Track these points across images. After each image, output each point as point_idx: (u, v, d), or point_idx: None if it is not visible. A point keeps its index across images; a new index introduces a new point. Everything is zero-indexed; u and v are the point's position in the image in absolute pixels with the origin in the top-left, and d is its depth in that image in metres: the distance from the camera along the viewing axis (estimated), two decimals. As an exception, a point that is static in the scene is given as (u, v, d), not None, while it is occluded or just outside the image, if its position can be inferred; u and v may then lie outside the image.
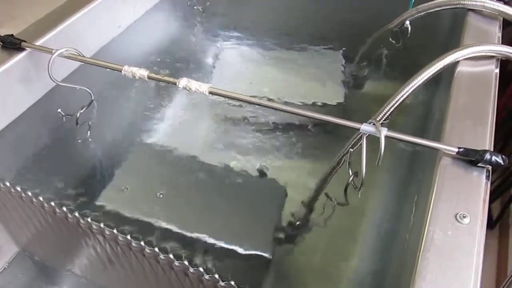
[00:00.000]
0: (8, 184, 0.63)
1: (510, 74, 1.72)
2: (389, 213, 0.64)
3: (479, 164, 0.51)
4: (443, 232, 0.45)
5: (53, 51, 0.66)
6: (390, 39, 0.92)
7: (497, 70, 0.67)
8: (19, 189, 0.62)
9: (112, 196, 0.68)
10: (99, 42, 0.84)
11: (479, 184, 0.50)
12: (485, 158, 0.50)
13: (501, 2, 0.78)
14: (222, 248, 0.62)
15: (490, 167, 0.52)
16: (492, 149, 0.53)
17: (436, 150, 0.54)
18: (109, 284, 0.76)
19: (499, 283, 1.38)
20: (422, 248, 0.44)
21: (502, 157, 0.51)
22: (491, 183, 1.56)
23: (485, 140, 0.55)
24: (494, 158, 0.51)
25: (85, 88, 0.73)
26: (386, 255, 0.59)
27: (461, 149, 0.51)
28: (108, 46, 0.85)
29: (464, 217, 0.46)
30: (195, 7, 1.05)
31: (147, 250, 0.55)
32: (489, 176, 0.51)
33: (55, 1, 0.82)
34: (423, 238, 0.45)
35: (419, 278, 0.42)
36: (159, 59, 0.90)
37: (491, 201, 1.59)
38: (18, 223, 0.73)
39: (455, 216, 0.47)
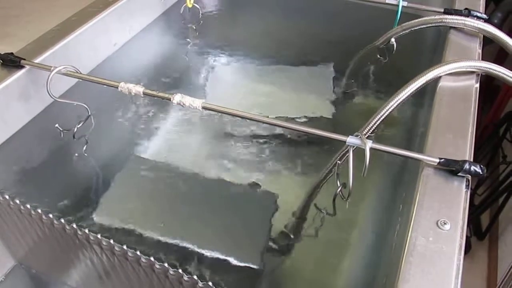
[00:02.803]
0: (7, 197, 0.64)
1: (496, 89, 1.77)
2: (376, 221, 0.66)
3: (459, 174, 0.54)
4: (425, 238, 0.48)
5: (52, 68, 0.69)
6: (377, 56, 0.95)
7: (477, 85, 0.70)
8: (18, 201, 0.64)
9: (108, 209, 0.70)
10: (95, 59, 0.87)
11: (459, 193, 0.53)
12: (464, 168, 0.53)
13: (481, 20, 0.82)
14: (214, 258, 0.63)
15: (469, 177, 0.54)
16: (472, 160, 0.56)
17: (418, 160, 0.56)
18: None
19: (489, 293, 1.40)
20: (405, 253, 0.46)
21: (480, 167, 0.54)
22: (480, 195, 1.58)
23: (465, 151, 0.57)
24: (473, 168, 0.53)
25: (82, 104, 0.75)
26: (374, 261, 0.61)
27: (442, 160, 0.54)
28: (104, 63, 0.88)
29: (445, 223, 0.49)
30: (189, 26, 1.08)
31: (143, 259, 0.56)
32: (468, 185, 0.54)
33: (49, 19, 0.85)
34: (406, 243, 0.47)
35: (402, 281, 0.44)
36: (153, 76, 0.93)
37: (480, 212, 1.62)
38: (15, 236, 0.75)
39: (437, 223, 0.49)
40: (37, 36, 0.80)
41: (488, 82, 1.77)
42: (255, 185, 0.73)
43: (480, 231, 1.63)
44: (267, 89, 0.93)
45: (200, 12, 1.09)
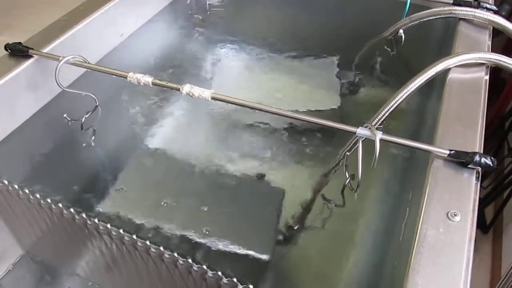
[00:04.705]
0: (16, 186, 0.64)
1: (503, 81, 1.76)
2: (385, 212, 0.66)
3: (469, 166, 0.54)
4: (435, 229, 0.48)
5: (60, 58, 0.69)
6: (385, 47, 0.95)
7: (487, 77, 0.69)
8: (27, 191, 0.64)
9: (116, 199, 0.70)
10: (103, 50, 0.87)
11: (469, 185, 0.53)
12: (474, 160, 0.53)
13: (490, 11, 0.82)
14: (223, 248, 0.64)
15: (479, 168, 0.54)
16: (482, 152, 0.55)
17: (428, 152, 0.56)
18: (114, 286, 0.77)
19: (493, 285, 1.40)
20: (415, 244, 0.46)
21: (491, 159, 0.54)
22: (484, 188, 1.58)
23: (475, 143, 0.57)
24: (483, 160, 0.53)
25: (90, 94, 0.75)
26: (383, 253, 0.61)
27: (452, 152, 0.54)
28: (111, 54, 0.88)
29: (455, 215, 0.49)
30: (196, 16, 1.08)
31: (153, 249, 0.57)
32: (478, 177, 0.54)
33: (51, 10, 0.84)
34: (416, 235, 0.47)
35: (413, 272, 0.44)
36: (160, 66, 0.93)
37: (484, 206, 1.62)
38: (24, 226, 0.75)
39: (447, 215, 0.49)
40: (39, 26, 0.80)
41: (494, 75, 1.76)
42: (263, 176, 0.73)
43: (484, 225, 1.63)
44: (275, 80, 0.93)
45: (207, 2, 1.08)
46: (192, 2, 1.07)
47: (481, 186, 1.59)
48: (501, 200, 1.59)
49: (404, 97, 0.67)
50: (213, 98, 0.63)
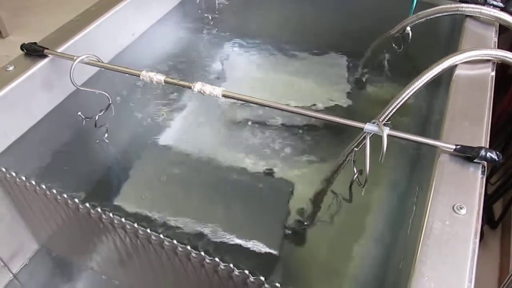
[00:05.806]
0: (33, 182, 0.66)
1: (511, 78, 1.75)
2: (392, 206, 0.67)
3: (475, 160, 0.55)
4: (442, 222, 0.49)
5: (75, 57, 0.70)
6: (392, 45, 0.96)
7: (493, 73, 0.70)
8: (44, 187, 0.66)
9: (129, 194, 0.72)
10: (115, 49, 0.89)
11: (475, 179, 0.54)
12: (480, 155, 0.54)
13: (497, 8, 0.82)
14: (233, 242, 0.65)
15: (485, 163, 0.55)
16: (487, 147, 0.56)
17: (435, 147, 0.57)
18: (127, 279, 0.79)
19: (501, 281, 1.40)
20: (422, 237, 0.48)
21: (496, 154, 0.55)
22: (493, 184, 1.57)
23: (481, 138, 0.58)
24: (489, 154, 0.54)
25: (103, 92, 0.77)
26: (390, 245, 0.62)
27: (458, 146, 0.55)
28: (123, 53, 0.90)
29: (461, 208, 0.50)
30: (205, 15, 1.09)
31: (166, 242, 0.58)
32: (484, 171, 0.55)
33: (60, 9, 0.86)
34: (423, 227, 0.49)
35: (419, 263, 0.45)
36: (171, 64, 0.95)
37: (493, 201, 1.62)
38: (40, 221, 0.77)
39: (453, 208, 0.50)
40: (47, 26, 0.82)
41: (502, 72, 1.76)
42: (272, 172, 0.74)
43: (493, 220, 1.62)
44: (283, 78, 0.94)
45: (216, 2, 1.10)
46: (201, 1, 1.08)
47: (489, 182, 1.59)
48: (509, 195, 1.58)
49: (411, 93, 0.68)
50: (224, 96, 0.65)
